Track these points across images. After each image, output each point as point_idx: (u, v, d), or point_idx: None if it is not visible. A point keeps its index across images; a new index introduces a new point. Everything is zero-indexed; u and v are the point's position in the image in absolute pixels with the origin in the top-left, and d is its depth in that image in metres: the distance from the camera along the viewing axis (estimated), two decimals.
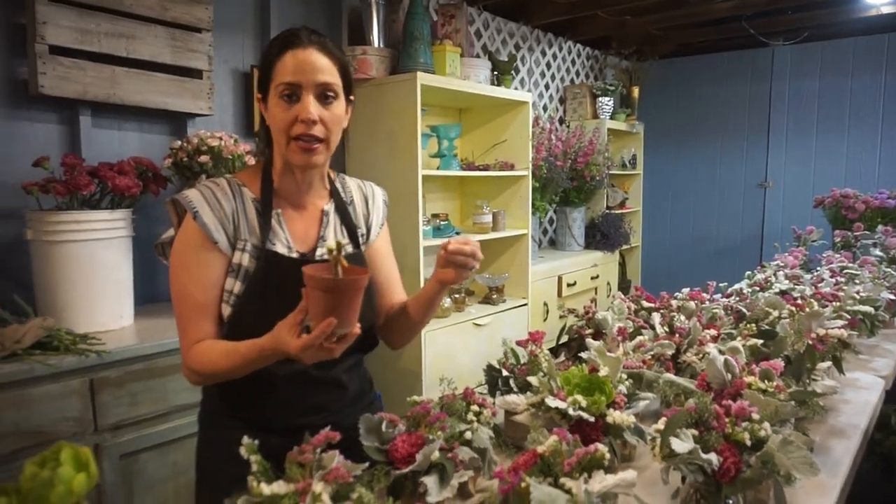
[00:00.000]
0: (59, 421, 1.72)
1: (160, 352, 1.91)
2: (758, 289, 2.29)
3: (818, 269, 2.69)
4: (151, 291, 2.45)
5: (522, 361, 1.41)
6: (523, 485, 0.82)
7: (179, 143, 2.28)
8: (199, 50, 2.43)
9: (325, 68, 1.13)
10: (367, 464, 0.92)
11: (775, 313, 1.70)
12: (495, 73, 3.50)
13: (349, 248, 1.28)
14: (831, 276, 2.41)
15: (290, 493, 0.82)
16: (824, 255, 2.94)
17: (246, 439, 0.87)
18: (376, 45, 2.94)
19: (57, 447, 0.62)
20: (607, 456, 0.87)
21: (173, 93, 2.37)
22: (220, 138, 2.26)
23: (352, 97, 1.23)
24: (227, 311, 1.16)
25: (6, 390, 1.63)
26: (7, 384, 1.63)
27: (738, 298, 2.13)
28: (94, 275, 1.97)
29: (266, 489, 0.82)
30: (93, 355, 1.78)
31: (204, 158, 2.20)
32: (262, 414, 1.21)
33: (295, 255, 1.20)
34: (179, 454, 1.99)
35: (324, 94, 1.14)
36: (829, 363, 1.52)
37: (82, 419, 1.77)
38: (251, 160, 2.29)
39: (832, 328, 1.54)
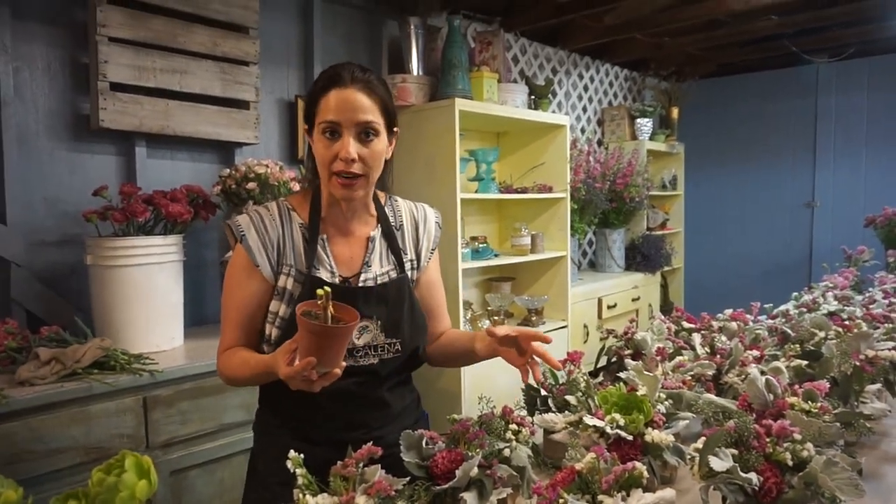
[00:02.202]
0: (115, 437, 1.80)
1: (208, 372, 1.98)
2: (805, 310, 2.23)
3: (870, 289, 2.61)
4: (200, 314, 2.55)
5: (561, 381, 1.42)
6: (561, 501, 0.83)
7: (228, 171, 2.38)
8: (246, 82, 2.54)
9: (365, 108, 1.17)
10: (408, 479, 0.94)
11: (821, 334, 1.66)
12: (532, 97, 3.54)
13: (390, 277, 1.31)
14: (884, 297, 2.33)
15: None
16: (877, 275, 2.85)
17: (292, 453, 0.91)
18: (415, 73, 3.02)
19: (121, 455, 0.67)
20: (645, 474, 0.88)
21: (222, 123, 2.48)
22: (267, 166, 2.35)
23: (395, 129, 1.27)
24: (274, 332, 1.23)
25: (67, 407, 1.72)
26: (68, 401, 1.72)
27: (783, 320, 2.08)
28: (149, 298, 2.06)
29: (311, 501, 0.85)
30: (147, 375, 1.85)
31: (251, 185, 2.29)
32: (308, 427, 1.26)
33: (337, 279, 1.25)
34: (227, 472, 2.05)
35: (364, 132, 1.18)
36: (879, 385, 1.48)
37: (136, 436, 1.84)
38: (296, 186, 2.38)
39: (882, 349, 1.50)
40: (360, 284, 1.26)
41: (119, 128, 2.20)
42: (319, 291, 0.99)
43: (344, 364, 1.04)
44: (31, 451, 1.65)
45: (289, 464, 0.91)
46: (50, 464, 1.68)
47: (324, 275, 1.24)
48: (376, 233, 1.31)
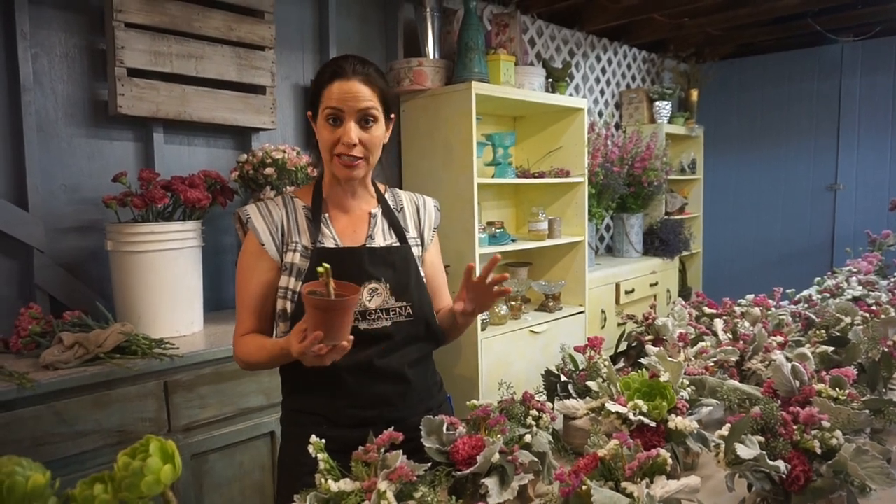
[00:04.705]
0: (138, 420, 1.82)
1: (228, 357, 2.00)
2: (828, 295, 2.20)
3: (895, 274, 2.56)
4: (218, 299, 2.56)
5: (581, 367, 1.41)
6: (584, 488, 0.82)
7: (245, 156, 2.38)
8: (262, 67, 2.53)
9: (365, 96, 1.26)
10: (429, 464, 0.94)
11: (847, 320, 1.63)
12: (550, 80, 3.50)
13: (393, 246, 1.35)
14: None
15: (356, 491, 0.85)
16: None
17: (314, 438, 0.91)
18: (431, 56, 2.99)
19: (146, 440, 0.67)
20: (669, 461, 0.87)
21: (238, 108, 2.47)
22: (284, 151, 2.34)
23: (392, 115, 1.35)
24: (289, 306, 1.29)
25: (91, 391, 1.74)
26: (91, 385, 1.74)
27: (806, 305, 2.05)
28: (168, 283, 2.08)
29: (333, 486, 0.85)
30: (167, 359, 1.87)
31: (269, 171, 2.29)
32: (331, 407, 1.28)
33: (341, 247, 1.32)
34: (246, 455, 2.07)
35: (364, 119, 1.27)
36: None
37: (157, 419, 1.87)
38: (313, 171, 2.37)
39: None
40: (367, 246, 1.32)
41: (137, 114, 2.20)
42: (320, 269, 1.02)
43: (352, 337, 1.08)
44: (55, 434, 1.67)
45: (310, 448, 0.91)
46: (74, 446, 1.70)
47: (329, 245, 1.30)
48: (377, 210, 1.39)
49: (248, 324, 1.31)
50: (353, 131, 1.25)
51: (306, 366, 1.11)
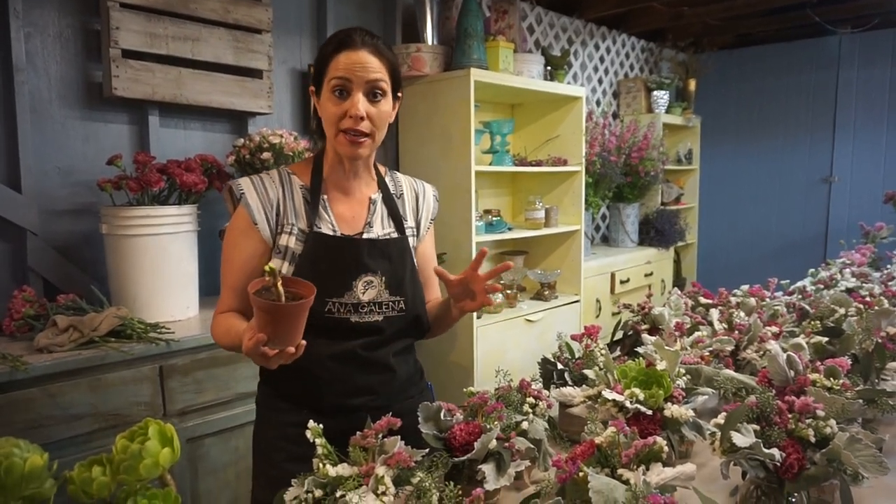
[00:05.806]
0: (133, 405, 1.82)
1: None
2: (822, 287, 2.21)
3: (888, 266, 2.58)
4: (214, 283, 2.54)
5: (577, 356, 1.41)
6: (581, 474, 0.83)
7: (242, 140, 2.36)
8: (259, 50, 2.51)
9: (374, 68, 1.20)
10: (426, 450, 0.94)
11: (841, 311, 1.64)
12: (548, 68, 3.48)
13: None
14: None
15: (354, 476, 0.85)
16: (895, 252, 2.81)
17: (312, 423, 0.92)
18: (430, 42, 2.96)
19: (144, 423, 0.67)
20: (665, 449, 0.87)
21: (235, 92, 2.45)
22: (281, 136, 2.33)
23: (399, 94, 1.29)
24: None
25: (85, 374, 1.74)
26: (86, 369, 1.74)
27: (801, 296, 2.06)
28: (164, 267, 2.07)
29: (332, 471, 0.85)
30: (163, 344, 1.87)
31: (266, 155, 2.27)
32: (311, 394, 1.25)
33: (339, 235, 1.27)
34: (241, 440, 2.07)
35: (372, 92, 1.21)
36: None
37: (153, 403, 1.86)
38: (310, 157, 2.36)
39: None
40: (365, 237, 1.27)
41: (132, 96, 2.18)
42: (266, 268, 0.94)
43: (303, 343, 0.99)
44: (50, 417, 1.67)
45: (308, 434, 0.91)
46: (69, 429, 1.70)
47: (325, 231, 1.25)
48: (377, 196, 1.33)
49: (229, 302, 1.26)
50: (360, 103, 1.18)
51: (255, 364, 1.04)
